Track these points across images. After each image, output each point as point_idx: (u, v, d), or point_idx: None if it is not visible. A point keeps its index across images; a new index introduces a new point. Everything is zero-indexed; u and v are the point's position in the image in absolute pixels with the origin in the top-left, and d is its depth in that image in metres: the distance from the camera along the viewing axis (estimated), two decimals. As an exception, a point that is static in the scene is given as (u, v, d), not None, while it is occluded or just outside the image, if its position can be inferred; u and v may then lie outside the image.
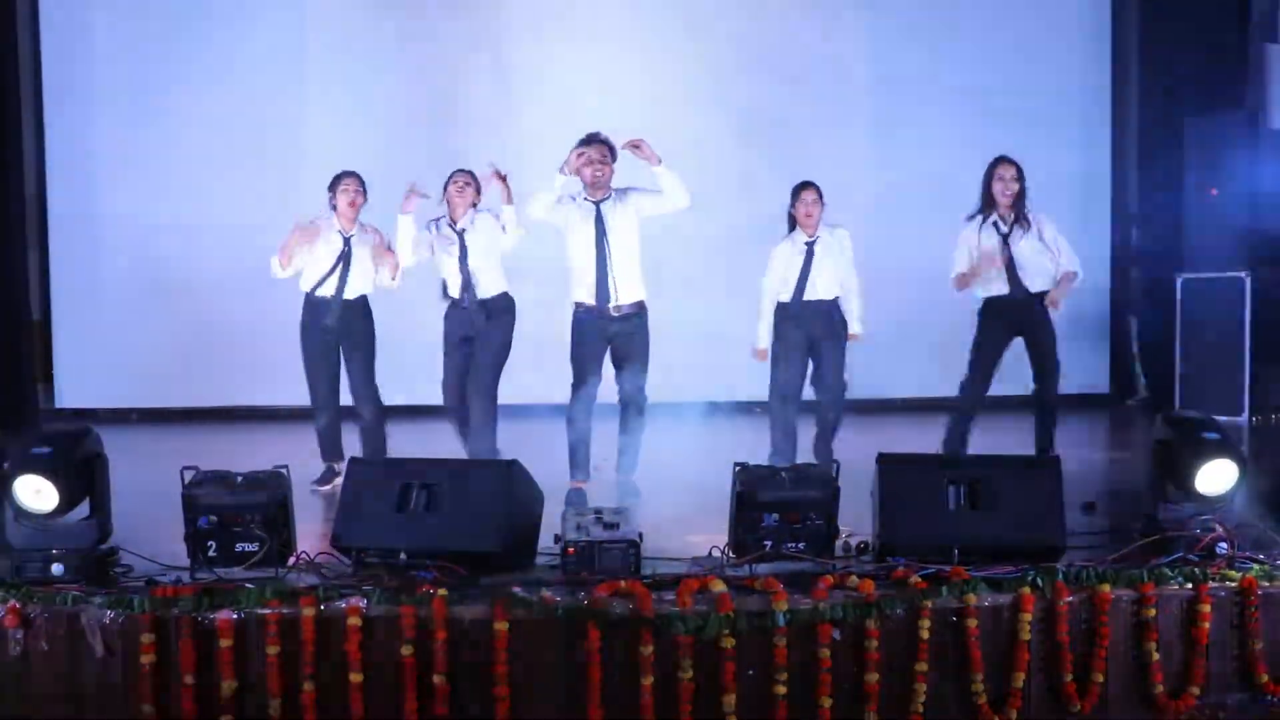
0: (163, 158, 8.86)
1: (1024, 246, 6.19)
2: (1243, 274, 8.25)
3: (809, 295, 6.13)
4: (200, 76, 8.81)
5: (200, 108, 8.79)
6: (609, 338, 5.88)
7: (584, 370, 5.86)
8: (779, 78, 8.98)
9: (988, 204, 6.25)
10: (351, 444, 6.22)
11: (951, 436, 6.30)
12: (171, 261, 8.57)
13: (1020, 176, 6.22)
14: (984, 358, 6.26)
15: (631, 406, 5.94)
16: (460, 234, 6.10)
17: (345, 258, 6.17)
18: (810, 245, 6.15)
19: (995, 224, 6.21)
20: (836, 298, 6.19)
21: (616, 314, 5.85)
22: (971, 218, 6.30)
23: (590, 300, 5.85)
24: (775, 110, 8.94)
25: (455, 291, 6.14)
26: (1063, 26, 9.31)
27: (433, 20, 9.01)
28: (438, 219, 6.22)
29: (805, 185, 6.19)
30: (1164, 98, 8.89)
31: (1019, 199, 6.22)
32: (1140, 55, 9.19)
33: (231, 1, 8.86)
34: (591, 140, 5.86)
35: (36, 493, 4.18)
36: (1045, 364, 6.22)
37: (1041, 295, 6.20)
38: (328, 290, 6.18)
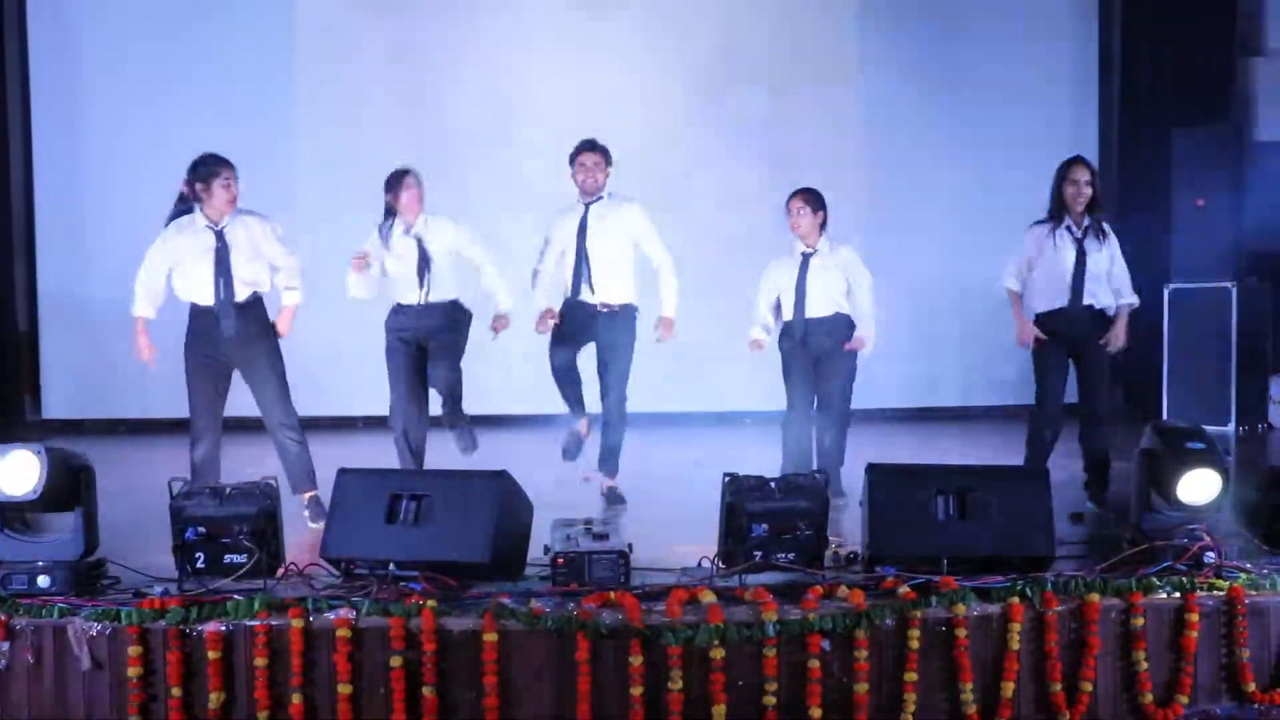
0: (150, 168, 8.80)
1: (1099, 259, 5.61)
2: (1229, 284, 8.30)
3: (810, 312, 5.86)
4: (188, 88, 8.80)
5: (188, 119, 8.77)
6: (591, 329, 5.91)
7: (559, 345, 5.92)
8: (770, 88, 9.01)
9: (1059, 209, 5.62)
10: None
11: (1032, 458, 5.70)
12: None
13: (1094, 180, 5.63)
14: (1046, 381, 5.68)
15: (611, 412, 5.93)
16: (419, 239, 5.74)
17: (220, 253, 5.39)
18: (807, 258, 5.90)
19: (1069, 229, 5.61)
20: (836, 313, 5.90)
21: (604, 310, 5.88)
22: (1040, 223, 5.69)
23: (570, 295, 5.92)
24: (766, 120, 8.97)
25: (406, 296, 5.77)
26: (1050, 39, 9.37)
27: (423, 30, 9.03)
28: (389, 223, 5.78)
29: (794, 193, 5.93)
30: (1151, 110, 8.96)
31: (1093, 204, 5.62)
32: (1126, 67, 9.25)
33: (220, 13, 8.85)
34: (584, 148, 5.90)
35: (20, 471, 4.12)
36: (1095, 386, 5.67)
37: (1102, 313, 5.65)
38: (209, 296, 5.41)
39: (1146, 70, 9.01)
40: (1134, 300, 5.72)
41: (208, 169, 5.40)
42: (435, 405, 5.91)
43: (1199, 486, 4.34)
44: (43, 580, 4.15)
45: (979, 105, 9.11)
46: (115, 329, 8.89)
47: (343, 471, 4.59)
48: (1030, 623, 4.11)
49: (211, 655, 3.97)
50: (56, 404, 8.91)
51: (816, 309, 5.89)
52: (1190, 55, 8.72)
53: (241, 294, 5.45)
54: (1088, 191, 5.60)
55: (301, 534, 5.16)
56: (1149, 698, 4.15)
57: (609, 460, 6.01)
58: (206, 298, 5.44)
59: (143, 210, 8.80)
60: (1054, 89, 9.37)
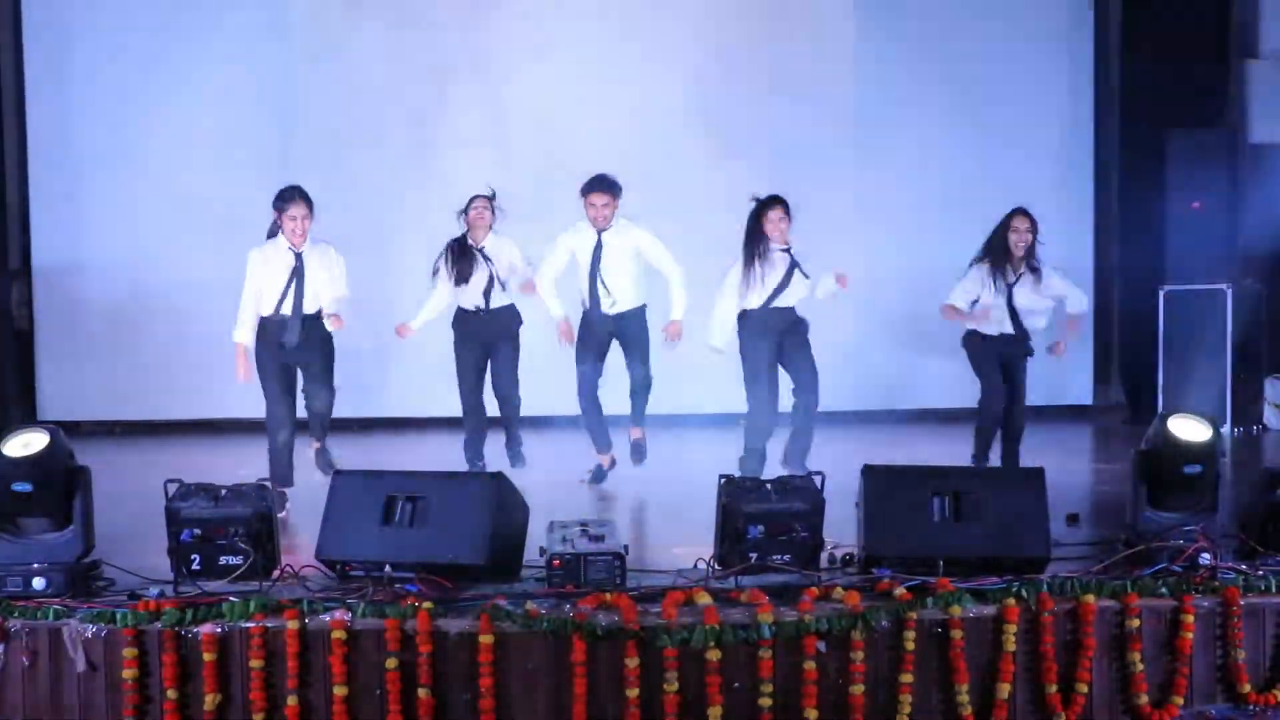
0: (146, 172, 8.82)
1: (1025, 294, 6.23)
2: (1224, 286, 8.32)
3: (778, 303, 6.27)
4: (185, 91, 8.78)
5: (185, 122, 8.77)
6: (610, 333, 6.49)
7: (584, 357, 6.48)
8: (762, 91, 9.01)
9: (1001, 254, 6.23)
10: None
11: (978, 452, 6.31)
12: (155, 273, 8.54)
13: (1034, 229, 6.22)
14: (989, 379, 6.33)
15: (637, 384, 6.53)
16: (481, 251, 6.44)
17: (298, 273, 5.95)
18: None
19: (1005, 274, 6.22)
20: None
21: (614, 314, 6.44)
22: (979, 261, 6.28)
23: (587, 307, 6.47)
24: (762, 121, 8.97)
25: (472, 302, 6.48)
26: (1045, 41, 9.36)
27: (418, 35, 9.01)
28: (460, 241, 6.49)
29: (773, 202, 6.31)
30: (1146, 112, 8.95)
31: (1031, 250, 6.23)
32: (1122, 70, 9.26)
33: (215, 17, 8.84)
34: (594, 188, 6.36)
35: (27, 442, 4.23)
36: (1017, 393, 6.32)
37: (1027, 334, 6.28)
38: (285, 309, 5.98)
39: (1142, 72, 9.01)
40: (1083, 308, 6.56)
41: (280, 202, 5.97)
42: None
43: (1189, 427, 4.37)
44: (38, 582, 4.15)
45: (975, 107, 9.10)
46: (111, 330, 8.96)
47: (338, 473, 4.60)
48: (1026, 624, 4.11)
49: (207, 657, 3.97)
50: (52, 405, 8.89)
51: (789, 300, 6.28)
52: (1186, 58, 8.72)
53: (310, 307, 5.98)
54: (1028, 238, 6.18)
55: (298, 535, 5.16)
56: (1144, 699, 4.15)
57: (638, 410, 6.58)
58: (278, 309, 5.97)
59: (139, 211, 8.88)
60: (1050, 91, 9.36)
